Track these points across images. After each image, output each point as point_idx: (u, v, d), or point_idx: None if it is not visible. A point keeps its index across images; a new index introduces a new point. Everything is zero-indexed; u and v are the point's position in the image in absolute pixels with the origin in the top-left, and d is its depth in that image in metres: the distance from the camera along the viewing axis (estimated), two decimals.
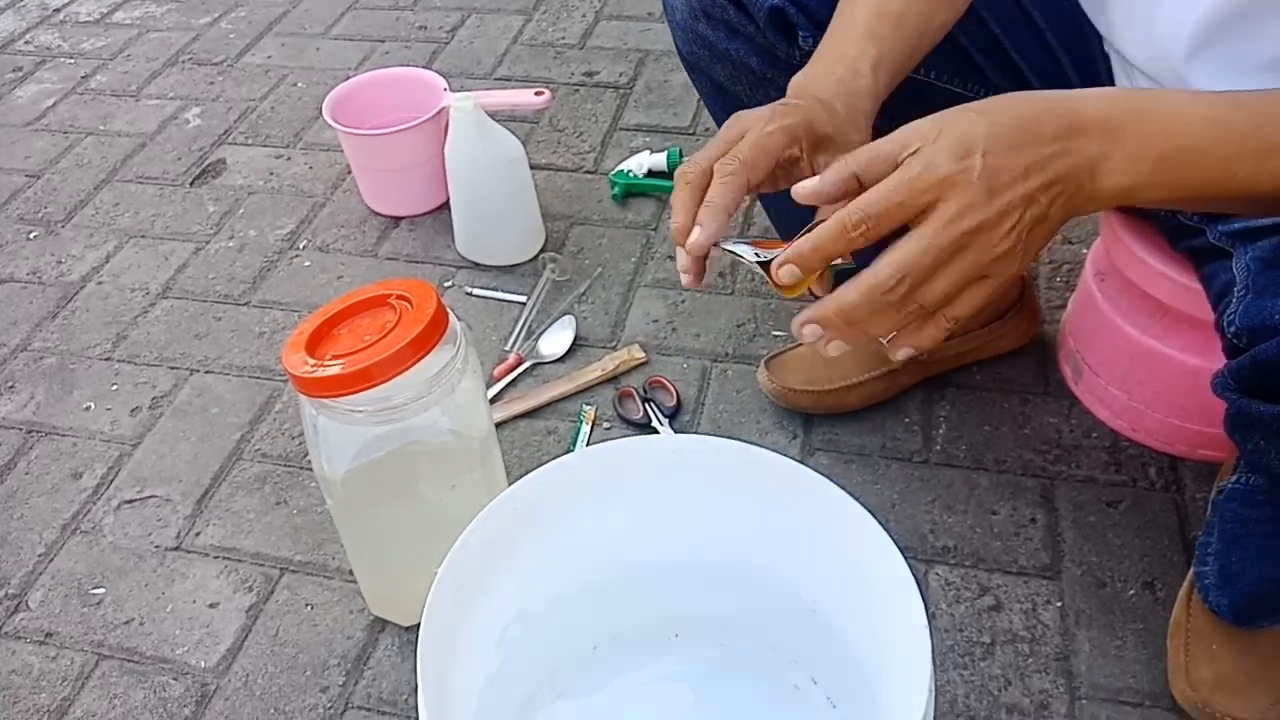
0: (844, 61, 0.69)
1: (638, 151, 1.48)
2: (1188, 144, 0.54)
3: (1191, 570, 0.89)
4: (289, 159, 1.59)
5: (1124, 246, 0.95)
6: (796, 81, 0.69)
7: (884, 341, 0.59)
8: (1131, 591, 0.94)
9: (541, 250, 1.37)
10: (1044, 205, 0.53)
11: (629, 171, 1.44)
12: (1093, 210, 0.56)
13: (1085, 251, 1.15)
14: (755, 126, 0.63)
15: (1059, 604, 0.94)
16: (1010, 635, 0.92)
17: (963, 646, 0.91)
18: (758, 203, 1.30)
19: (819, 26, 0.75)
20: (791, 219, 1.03)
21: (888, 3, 0.71)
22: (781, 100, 0.66)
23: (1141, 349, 1.00)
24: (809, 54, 0.72)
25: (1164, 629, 0.89)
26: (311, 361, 0.76)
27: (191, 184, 1.55)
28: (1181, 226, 0.80)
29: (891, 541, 0.67)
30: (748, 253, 0.63)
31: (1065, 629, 0.92)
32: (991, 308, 1.11)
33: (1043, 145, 0.53)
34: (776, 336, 1.22)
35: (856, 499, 0.69)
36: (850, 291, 0.55)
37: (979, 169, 0.52)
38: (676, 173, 0.63)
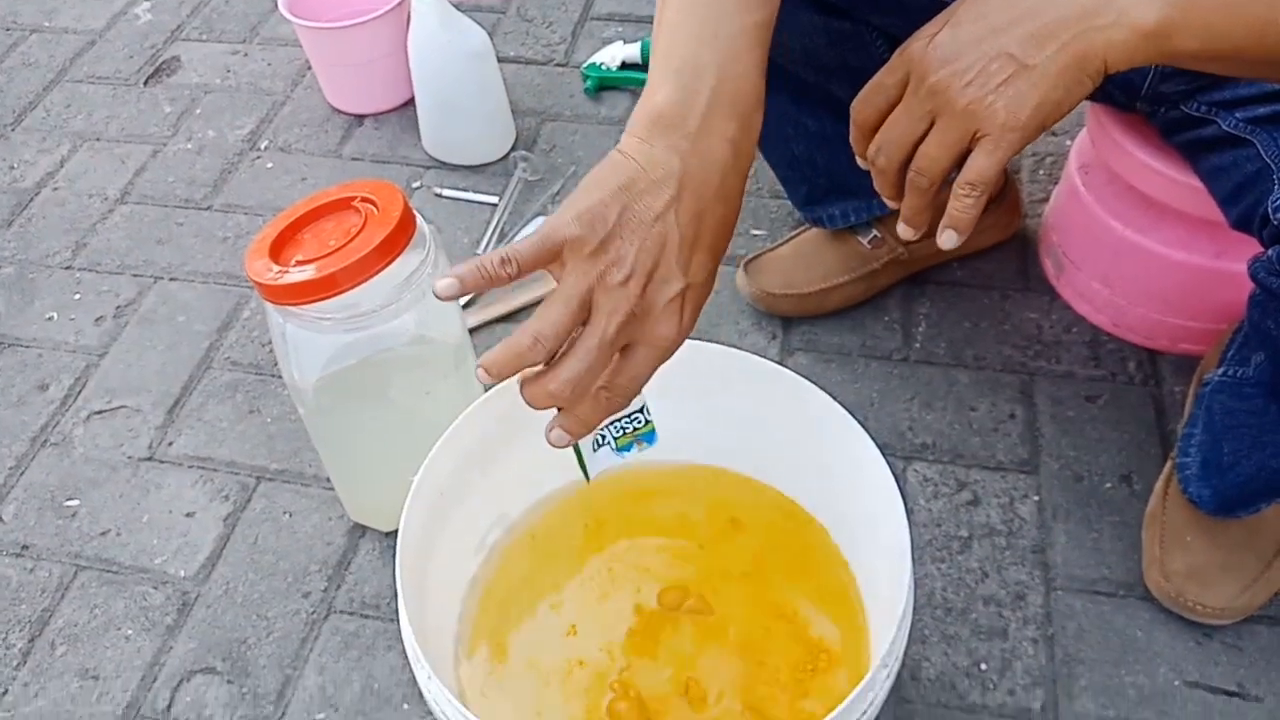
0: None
1: (611, 42, 1.43)
2: None
3: (1169, 463, 0.89)
4: (246, 55, 1.52)
5: (1109, 138, 0.93)
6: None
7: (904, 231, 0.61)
8: (1108, 485, 0.95)
9: (512, 148, 1.33)
10: (1015, 56, 0.54)
11: (602, 64, 1.39)
12: (1120, 57, 0.53)
13: (1069, 143, 1.13)
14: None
15: (1036, 498, 0.95)
16: (987, 529, 0.93)
17: (940, 541, 0.92)
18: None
19: None
20: (800, 168, 1.00)
21: None
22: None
23: (1125, 243, 0.98)
24: None
25: (1139, 521, 0.90)
26: (276, 268, 0.73)
27: (145, 83, 1.49)
28: (1185, 118, 0.78)
29: (870, 439, 0.66)
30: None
31: (1042, 522, 0.93)
32: None
33: (993, 12, 0.54)
34: (755, 236, 1.20)
35: (835, 398, 0.69)
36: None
37: (936, 47, 0.55)
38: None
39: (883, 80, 0.59)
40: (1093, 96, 0.71)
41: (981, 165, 0.55)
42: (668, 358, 0.55)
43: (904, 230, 0.61)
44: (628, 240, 0.52)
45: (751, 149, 0.56)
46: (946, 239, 0.58)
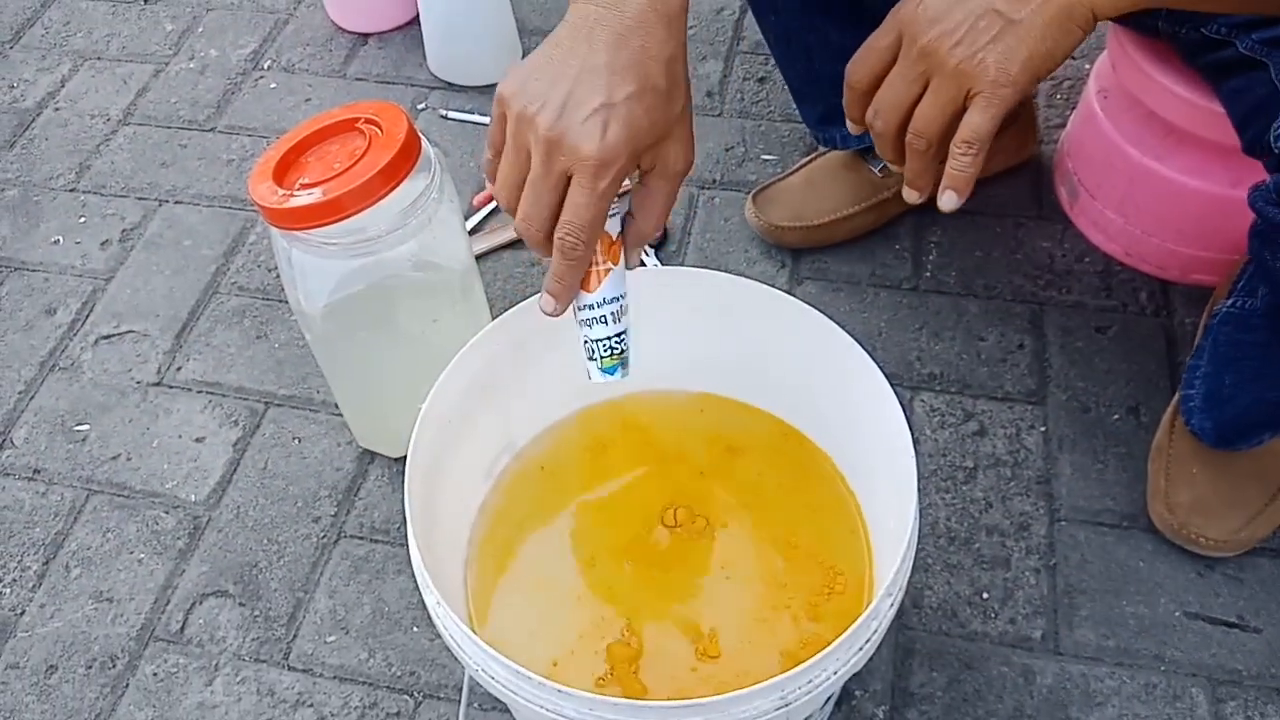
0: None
1: None
2: None
3: (1177, 395, 0.89)
4: None
5: (1130, 60, 0.91)
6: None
7: (909, 195, 0.62)
8: (1116, 416, 0.95)
9: None
10: (1002, 13, 0.55)
11: None
12: (1104, 5, 0.54)
13: (1088, 67, 1.10)
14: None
15: (1043, 429, 0.95)
16: (993, 459, 0.93)
17: (945, 471, 0.93)
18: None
19: None
20: (818, 84, 0.98)
21: None
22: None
23: (1142, 170, 0.97)
24: None
25: (1145, 453, 0.90)
26: (280, 191, 0.73)
27: (145, 0, 1.46)
28: (1205, 40, 0.76)
29: (878, 368, 0.66)
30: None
31: (1048, 453, 0.93)
32: None
33: None
34: (766, 160, 1.18)
35: (844, 327, 0.68)
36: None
37: (926, 8, 0.57)
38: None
39: (876, 43, 0.60)
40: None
41: (976, 123, 0.56)
42: (598, 181, 0.54)
43: (909, 194, 0.62)
44: (542, 79, 0.55)
45: None
46: (946, 200, 0.59)
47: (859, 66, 0.61)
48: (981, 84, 0.55)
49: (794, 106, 1.21)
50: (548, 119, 0.54)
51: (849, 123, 0.64)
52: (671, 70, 0.56)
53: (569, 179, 0.55)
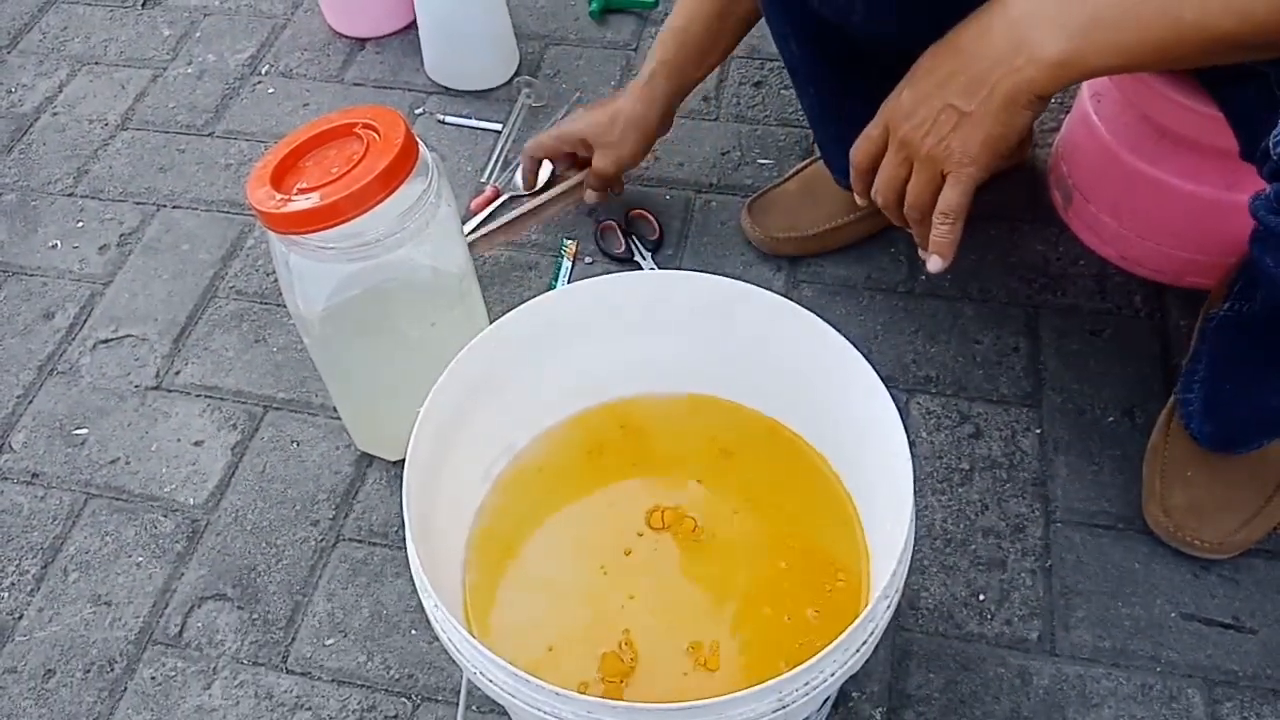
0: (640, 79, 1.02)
1: None
2: None
3: (1172, 397, 0.89)
4: None
5: None
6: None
7: (923, 256, 0.73)
8: (1111, 418, 0.95)
9: (516, 74, 1.30)
10: (957, 106, 0.64)
11: None
12: (1043, 88, 0.61)
13: None
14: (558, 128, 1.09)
15: (1038, 431, 0.95)
16: (989, 462, 0.93)
17: (942, 473, 0.93)
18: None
19: None
20: (839, 140, 1.01)
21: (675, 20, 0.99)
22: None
23: (1136, 174, 0.97)
24: None
25: (1141, 455, 0.91)
26: (278, 196, 0.73)
27: (143, 5, 1.46)
28: None
29: (874, 371, 0.66)
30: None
31: (1043, 455, 0.93)
32: None
33: (938, 68, 0.65)
34: (762, 165, 1.18)
35: (840, 331, 0.69)
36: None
37: (901, 104, 0.68)
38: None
39: (870, 132, 0.72)
40: None
41: (949, 198, 0.67)
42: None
43: (924, 256, 0.72)
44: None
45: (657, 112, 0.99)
46: (931, 264, 0.70)
47: (857, 154, 0.73)
48: (950, 166, 0.66)
49: (790, 111, 1.22)
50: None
51: (856, 196, 0.77)
52: None
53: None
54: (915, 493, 0.62)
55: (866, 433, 0.68)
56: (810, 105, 1.02)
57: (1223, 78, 0.75)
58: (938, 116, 0.65)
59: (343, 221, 0.72)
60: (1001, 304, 1.04)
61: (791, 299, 0.70)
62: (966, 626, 0.84)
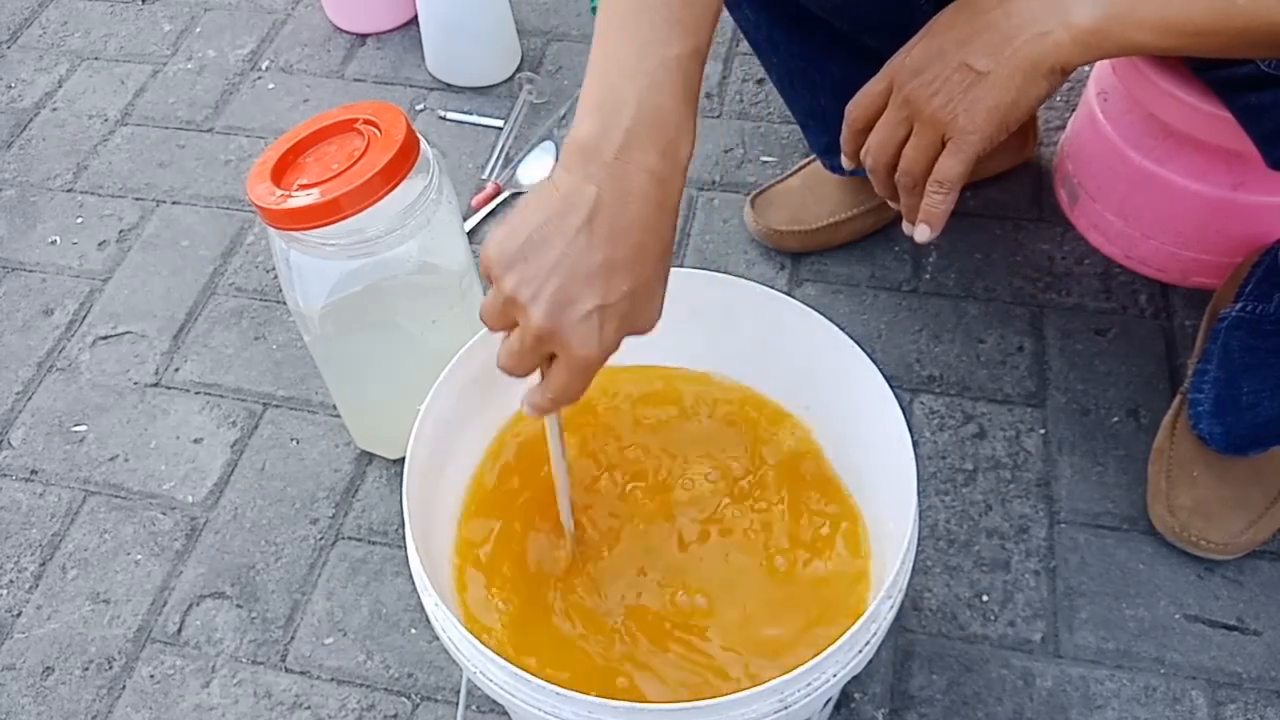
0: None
1: None
2: None
3: (1178, 397, 0.89)
4: None
5: (1130, 63, 0.91)
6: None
7: (908, 229, 0.68)
8: (1115, 418, 0.95)
9: (518, 70, 1.30)
10: (973, 66, 0.60)
11: None
12: (1068, 57, 0.58)
13: (1088, 70, 1.10)
14: None
15: (1042, 431, 0.94)
16: (993, 462, 0.93)
17: (945, 473, 0.93)
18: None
19: None
20: (822, 118, 0.99)
21: None
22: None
23: (1142, 172, 0.97)
24: None
25: (1146, 455, 0.90)
26: (278, 192, 0.72)
27: (143, 0, 1.46)
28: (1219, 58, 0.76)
29: (877, 370, 0.66)
30: None
31: (1048, 455, 0.93)
32: None
33: (959, 24, 0.61)
34: (765, 163, 1.18)
35: (843, 329, 0.68)
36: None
37: (911, 59, 0.63)
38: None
39: (871, 88, 0.66)
40: None
41: (947, 166, 0.62)
42: (590, 372, 0.56)
43: (908, 229, 0.67)
44: (534, 262, 0.53)
45: (677, 175, 0.55)
46: (919, 232, 0.66)
47: (855, 109, 0.67)
48: (953, 131, 0.61)
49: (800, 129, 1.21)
50: (540, 313, 0.53)
51: (844, 157, 0.70)
52: (665, 262, 0.56)
53: (553, 356, 0.56)
54: (919, 493, 0.61)
55: (870, 432, 0.67)
56: (779, 79, 0.99)
57: (1240, 85, 0.74)
58: (950, 75, 0.61)
59: (343, 218, 0.72)
60: (1006, 303, 1.04)
61: (794, 297, 0.70)
62: (970, 627, 0.84)
